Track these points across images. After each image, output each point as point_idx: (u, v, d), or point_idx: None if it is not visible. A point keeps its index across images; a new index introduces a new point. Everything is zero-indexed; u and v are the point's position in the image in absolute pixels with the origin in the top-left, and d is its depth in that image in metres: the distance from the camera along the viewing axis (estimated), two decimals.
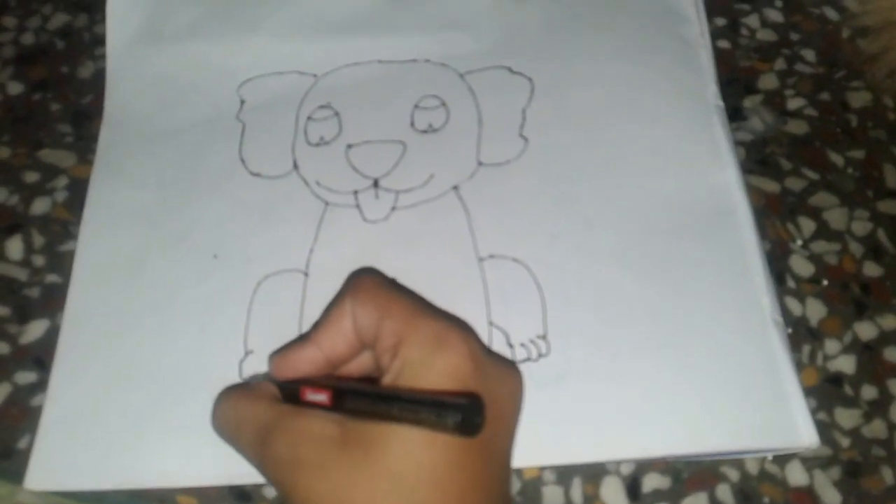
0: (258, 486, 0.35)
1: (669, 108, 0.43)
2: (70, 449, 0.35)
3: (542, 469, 0.36)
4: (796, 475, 0.36)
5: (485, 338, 0.37)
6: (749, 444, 0.35)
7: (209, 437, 0.34)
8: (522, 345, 0.37)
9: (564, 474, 0.36)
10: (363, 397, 0.28)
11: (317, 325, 0.32)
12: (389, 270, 0.38)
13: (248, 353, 0.37)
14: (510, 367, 0.32)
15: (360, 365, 0.32)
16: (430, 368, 0.28)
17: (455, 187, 0.41)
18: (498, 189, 0.41)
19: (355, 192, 0.41)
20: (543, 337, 0.37)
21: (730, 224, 0.39)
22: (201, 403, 0.35)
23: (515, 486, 0.35)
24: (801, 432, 0.35)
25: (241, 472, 0.33)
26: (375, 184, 0.41)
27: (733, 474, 0.36)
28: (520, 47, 0.45)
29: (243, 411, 0.31)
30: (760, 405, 0.35)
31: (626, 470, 0.36)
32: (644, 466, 0.36)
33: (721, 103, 0.43)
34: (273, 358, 0.33)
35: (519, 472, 0.36)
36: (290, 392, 0.31)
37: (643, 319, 0.37)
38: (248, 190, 0.41)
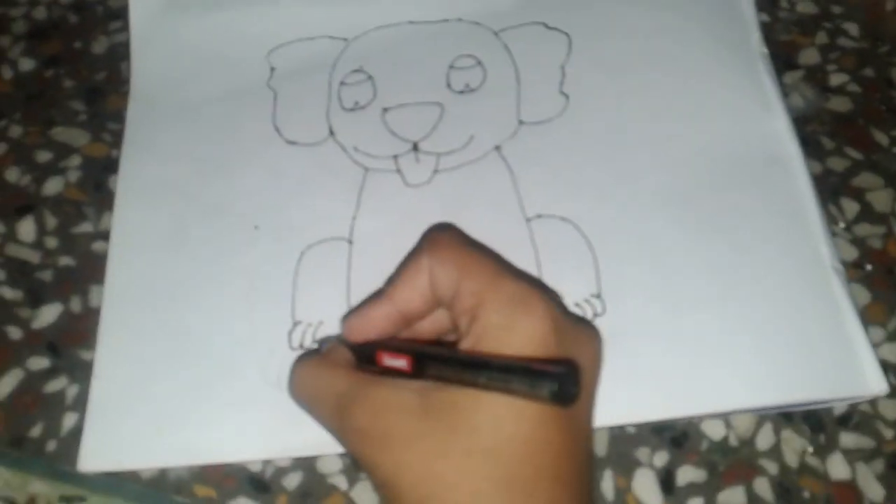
0: (277, 476, 0.34)
1: (713, 56, 0.42)
2: (121, 428, 0.34)
3: None
4: (838, 468, 0.34)
5: None
6: (816, 394, 0.34)
7: (261, 411, 0.34)
8: (577, 305, 0.36)
9: (595, 466, 0.34)
10: (447, 363, 0.27)
11: (391, 281, 0.31)
12: None
13: (296, 323, 0.36)
14: (591, 329, 0.31)
15: (433, 323, 0.31)
16: (512, 332, 0.27)
17: (497, 147, 0.40)
18: (541, 147, 0.40)
19: (395, 157, 0.40)
20: (598, 296, 0.36)
21: (783, 172, 0.39)
22: (251, 376, 0.35)
23: None
24: (870, 379, 0.34)
25: (293, 444, 0.33)
26: (415, 147, 0.40)
27: (772, 467, 0.34)
28: (555, 2, 0.44)
29: (321, 380, 0.30)
30: (826, 354, 0.35)
31: (659, 462, 0.34)
32: (678, 458, 0.34)
33: (766, 50, 0.42)
34: (346, 319, 0.32)
35: None
36: (365, 355, 0.30)
37: (699, 273, 0.36)
38: (285, 159, 0.41)
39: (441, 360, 0.27)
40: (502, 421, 0.26)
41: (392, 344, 0.30)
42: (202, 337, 0.36)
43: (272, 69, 0.43)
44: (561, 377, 0.24)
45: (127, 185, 0.40)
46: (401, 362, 0.28)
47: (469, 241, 0.34)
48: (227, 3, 0.45)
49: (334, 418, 0.29)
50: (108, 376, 0.35)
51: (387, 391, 0.28)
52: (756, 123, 0.40)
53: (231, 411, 0.34)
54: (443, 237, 0.31)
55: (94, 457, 0.34)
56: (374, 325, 0.31)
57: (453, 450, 0.26)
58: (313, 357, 0.33)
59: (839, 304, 0.35)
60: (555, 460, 0.26)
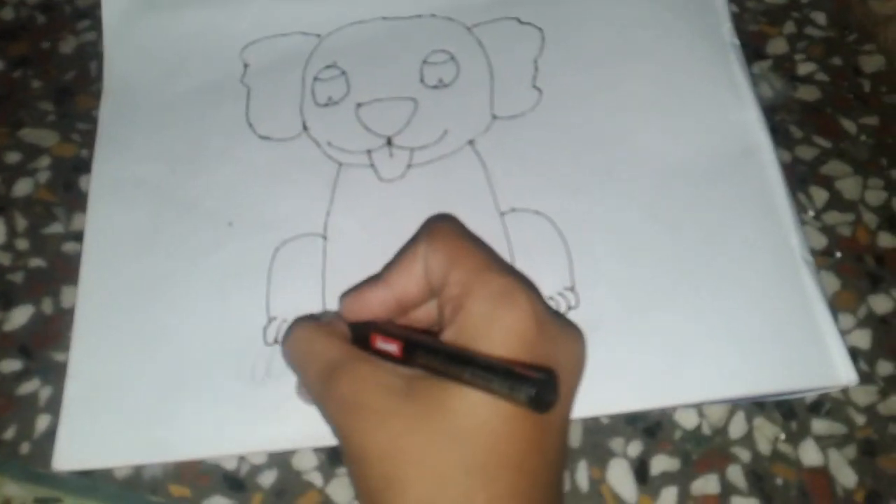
0: (252, 474, 0.34)
1: (684, 47, 0.43)
2: (96, 426, 0.34)
3: None
4: (810, 454, 0.35)
5: None
6: (788, 385, 0.35)
7: (236, 406, 0.34)
8: (551, 298, 0.37)
9: (569, 457, 0.34)
10: (435, 354, 0.27)
11: (389, 267, 0.32)
12: (409, 229, 0.37)
13: (271, 319, 0.36)
14: (574, 330, 0.31)
15: (428, 312, 0.32)
16: (494, 325, 0.27)
17: (470, 142, 0.40)
18: (514, 142, 0.40)
19: (369, 152, 0.40)
20: (572, 289, 0.37)
21: (753, 164, 0.39)
22: (226, 372, 0.35)
23: None
24: (840, 370, 0.34)
25: (267, 439, 0.34)
26: (389, 142, 0.40)
27: (745, 454, 0.35)
28: None
29: (314, 344, 0.31)
30: (797, 345, 0.35)
31: (633, 452, 0.35)
32: (651, 448, 0.35)
33: (737, 41, 0.43)
34: (344, 297, 0.32)
35: None
36: (360, 335, 0.31)
37: (672, 266, 0.37)
38: (259, 154, 0.41)
39: (429, 350, 0.27)
40: (476, 409, 0.26)
41: (386, 328, 0.30)
42: (176, 334, 0.36)
43: (246, 66, 0.43)
44: (539, 383, 0.24)
45: (100, 183, 0.40)
46: (392, 347, 0.29)
47: (466, 232, 0.34)
48: (197, 1, 0.45)
49: (319, 382, 0.29)
50: (83, 375, 0.35)
51: (373, 367, 0.28)
52: (727, 115, 0.41)
53: (205, 407, 0.35)
54: (440, 226, 0.31)
55: (69, 456, 0.34)
56: (370, 307, 0.31)
57: (423, 429, 0.26)
58: (310, 322, 0.33)
59: (809, 295, 0.36)
60: (522, 452, 0.27)
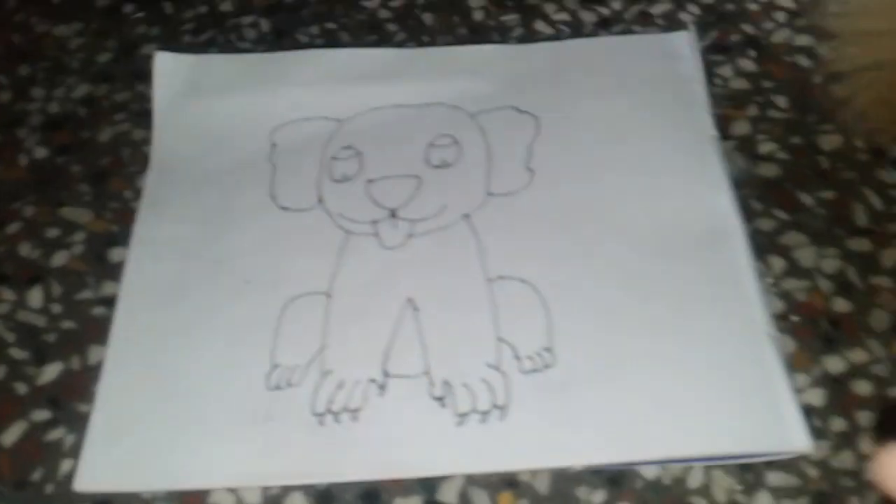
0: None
1: (667, 139, 0.47)
2: (114, 454, 0.38)
3: (517, 498, 0.38)
4: None
5: (493, 352, 0.40)
6: (746, 448, 0.37)
7: (240, 444, 0.38)
8: (529, 357, 0.40)
9: (536, 502, 0.37)
10: None
11: None
12: (406, 291, 0.42)
13: (274, 366, 0.40)
14: None
15: None
16: None
17: (466, 216, 0.45)
18: (506, 216, 0.44)
19: (374, 222, 0.44)
20: (549, 349, 0.40)
21: (725, 245, 0.43)
22: (232, 411, 0.39)
23: None
24: (795, 437, 0.37)
25: (265, 473, 0.37)
26: (393, 214, 0.44)
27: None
28: (526, 88, 0.49)
29: None
30: (756, 412, 0.38)
31: (597, 500, 0.37)
32: (614, 496, 0.37)
33: (716, 133, 0.47)
34: None
35: (493, 500, 0.38)
36: None
37: (644, 333, 0.40)
38: (278, 222, 0.45)
39: None
40: None
41: None
42: (192, 376, 0.40)
43: (273, 145, 0.49)
44: None
45: (139, 240, 0.45)
46: None
47: None
48: (237, 89, 0.51)
49: None
50: (107, 408, 0.40)
51: None
52: (703, 200, 0.44)
53: (212, 443, 0.38)
54: None
55: (89, 479, 0.38)
56: None
57: None
58: None
59: (770, 367, 0.39)
60: None
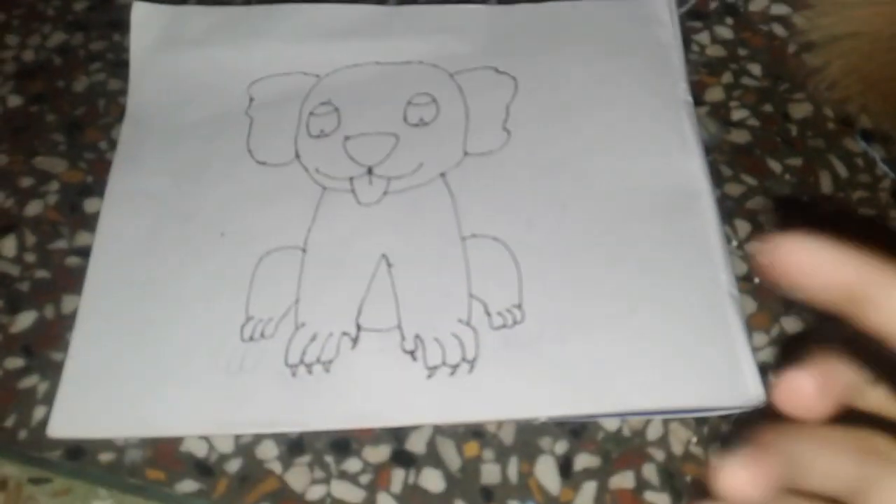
0: (220, 462, 0.38)
1: (642, 103, 0.47)
2: (87, 402, 0.39)
3: (482, 448, 0.39)
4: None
5: (465, 308, 0.41)
6: (704, 402, 0.38)
7: (213, 393, 0.39)
8: (499, 313, 0.41)
9: (502, 453, 0.38)
10: None
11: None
12: (380, 248, 0.43)
13: (248, 318, 0.41)
14: None
15: None
16: None
17: (442, 174, 0.45)
18: (481, 176, 0.45)
19: (351, 179, 0.45)
20: (519, 306, 0.41)
21: (694, 207, 0.43)
22: (206, 361, 0.40)
23: (455, 463, 0.38)
24: (751, 392, 0.38)
25: (236, 422, 0.38)
26: (370, 171, 0.45)
27: (659, 455, 0.38)
28: (506, 49, 0.50)
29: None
30: (715, 369, 0.39)
31: (559, 450, 0.39)
32: (576, 446, 0.39)
33: (690, 98, 0.47)
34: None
35: (460, 451, 0.39)
36: None
37: (611, 291, 0.41)
38: (254, 176, 0.46)
39: None
40: None
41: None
42: (166, 327, 0.41)
43: (251, 99, 0.49)
44: None
45: (114, 193, 0.45)
46: None
47: None
48: (214, 40, 0.51)
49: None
50: (81, 357, 0.40)
51: None
52: (674, 163, 0.45)
53: (185, 392, 0.39)
54: None
55: (63, 425, 0.39)
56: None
57: None
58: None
59: (731, 325, 0.40)
60: None
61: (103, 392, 0.39)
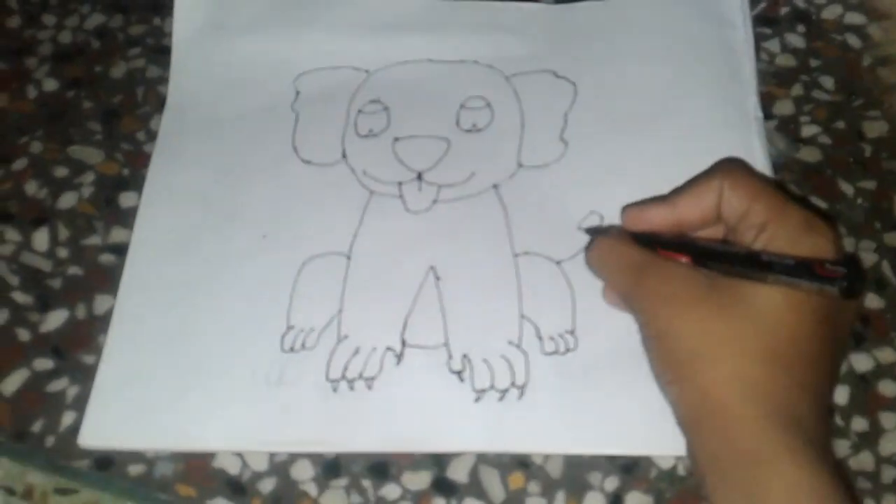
0: (253, 481, 0.37)
1: (710, 117, 0.44)
2: (120, 410, 0.38)
3: (528, 480, 0.37)
4: None
5: (515, 329, 0.39)
6: None
7: (249, 407, 0.37)
8: (552, 338, 0.39)
9: (548, 487, 0.37)
10: (731, 261, 0.32)
11: (677, 192, 0.37)
12: (428, 259, 0.41)
13: (289, 328, 0.39)
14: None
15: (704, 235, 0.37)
16: (798, 247, 0.32)
17: (495, 186, 0.43)
18: (536, 190, 0.43)
19: (400, 184, 0.43)
20: (572, 332, 0.39)
21: None
22: (243, 372, 0.38)
23: (499, 496, 0.36)
24: None
25: (273, 440, 0.37)
26: (419, 177, 0.43)
27: None
28: (566, 51, 0.47)
29: (620, 250, 0.36)
30: None
31: (609, 487, 0.37)
32: (628, 484, 0.37)
33: (761, 114, 0.45)
34: (627, 210, 0.38)
35: (504, 482, 0.37)
36: (644, 244, 0.36)
37: None
38: (299, 176, 0.44)
39: (725, 258, 0.33)
40: (778, 305, 0.31)
41: (666, 239, 0.36)
42: (203, 333, 0.39)
43: (297, 93, 0.47)
44: (848, 274, 0.29)
45: (153, 186, 0.43)
46: (681, 260, 0.34)
47: (760, 175, 0.39)
48: (261, 29, 0.48)
49: (629, 279, 0.35)
50: (114, 362, 0.39)
51: (676, 266, 0.34)
52: None
53: (220, 405, 0.37)
54: (737, 167, 0.36)
55: (93, 434, 0.37)
56: (651, 221, 0.36)
57: (728, 316, 0.31)
58: (610, 235, 0.38)
59: None
60: (815, 347, 0.31)
61: (136, 400, 0.38)
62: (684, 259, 0.34)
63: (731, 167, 0.36)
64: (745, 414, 0.30)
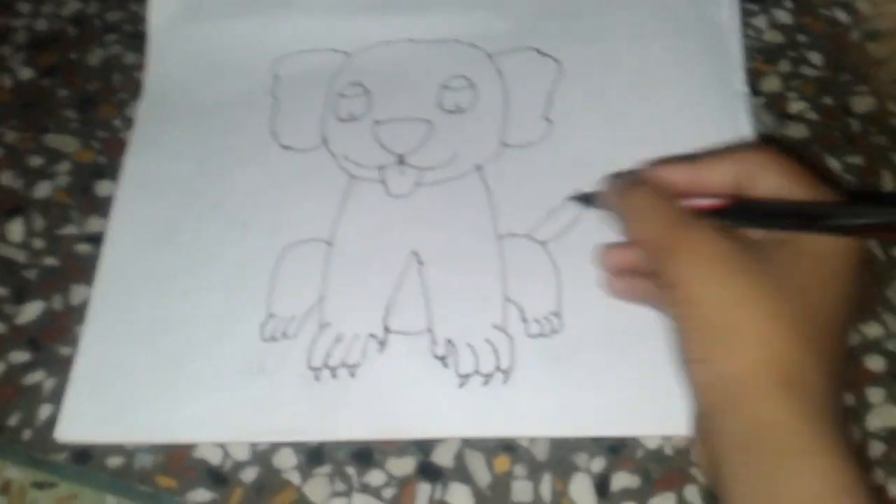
0: (235, 470, 0.36)
1: (696, 94, 0.44)
2: (98, 404, 0.37)
3: (514, 463, 0.36)
4: None
5: (499, 313, 0.38)
6: None
7: (230, 396, 0.37)
8: (537, 321, 0.38)
9: (534, 469, 0.36)
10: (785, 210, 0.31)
11: (699, 154, 0.35)
12: (411, 244, 0.40)
13: (270, 316, 0.39)
14: None
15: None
16: None
17: (478, 167, 0.42)
18: (520, 170, 0.42)
19: (381, 168, 0.42)
20: (557, 314, 0.38)
21: None
22: (224, 363, 0.37)
23: (485, 479, 0.36)
24: None
25: (254, 429, 0.36)
26: (401, 160, 0.42)
27: (702, 476, 0.36)
28: (549, 28, 0.46)
29: (656, 201, 0.33)
30: None
31: (596, 468, 0.36)
32: (614, 464, 0.36)
33: (746, 89, 0.44)
34: (653, 167, 0.35)
35: (490, 465, 0.36)
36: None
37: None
38: (279, 162, 0.43)
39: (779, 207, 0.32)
40: (803, 264, 0.30)
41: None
42: (183, 323, 0.39)
43: (276, 77, 0.46)
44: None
45: (131, 175, 0.43)
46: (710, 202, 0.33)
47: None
48: (238, 13, 0.47)
49: (664, 234, 0.32)
50: (92, 354, 0.38)
51: (719, 227, 0.31)
52: None
53: (200, 395, 0.37)
54: (769, 147, 0.34)
55: (71, 429, 0.36)
56: (667, 173, 0.34)
57: (755, 270, 0.30)
58: (643, 182, 0.34)
59: None
60: (846, 325, 0.31)
61: (115, 393, 0.37)
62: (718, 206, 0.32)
63: (762, 146, 0.34)
64: (781, 405, 0.29)
